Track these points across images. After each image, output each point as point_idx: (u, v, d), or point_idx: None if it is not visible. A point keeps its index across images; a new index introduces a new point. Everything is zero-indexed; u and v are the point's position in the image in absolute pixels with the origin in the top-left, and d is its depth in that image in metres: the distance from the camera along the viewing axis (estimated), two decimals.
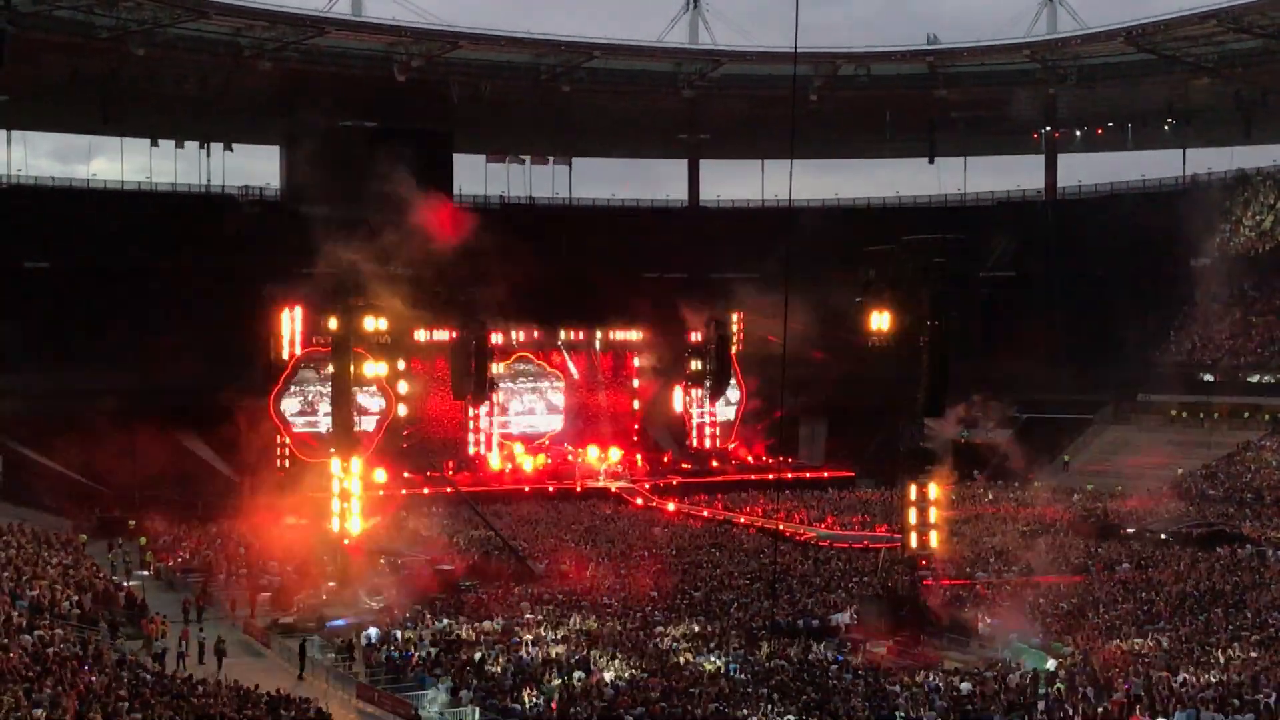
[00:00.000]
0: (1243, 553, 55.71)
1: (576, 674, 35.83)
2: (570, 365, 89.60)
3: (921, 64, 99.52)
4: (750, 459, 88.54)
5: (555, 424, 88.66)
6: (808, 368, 77.76)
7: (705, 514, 71.03)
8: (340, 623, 44.10)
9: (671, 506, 74.07)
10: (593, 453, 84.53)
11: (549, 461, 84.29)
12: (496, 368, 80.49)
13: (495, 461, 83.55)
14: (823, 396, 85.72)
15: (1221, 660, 36.71)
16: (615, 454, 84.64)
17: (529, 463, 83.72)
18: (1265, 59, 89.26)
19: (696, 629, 42.40)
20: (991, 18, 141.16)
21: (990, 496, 74.95)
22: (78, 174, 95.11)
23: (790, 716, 31.02)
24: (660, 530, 65.06)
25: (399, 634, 41.99)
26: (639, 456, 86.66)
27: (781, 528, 62.73)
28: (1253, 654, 37.34)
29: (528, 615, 45.08)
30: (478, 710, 33.58)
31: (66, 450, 70.45)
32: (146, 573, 56.45)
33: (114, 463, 67.79)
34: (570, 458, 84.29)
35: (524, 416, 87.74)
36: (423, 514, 67.69)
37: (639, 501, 76.18)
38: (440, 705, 34.46)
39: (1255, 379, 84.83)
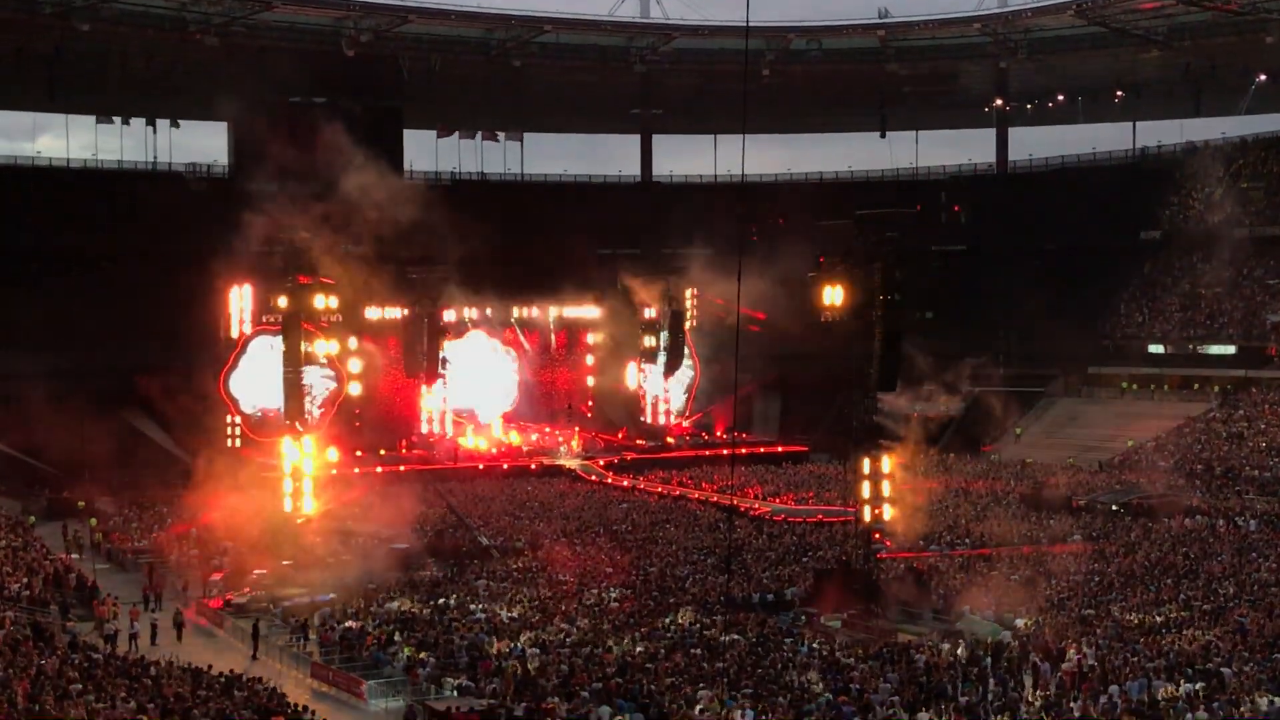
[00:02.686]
0: (1193, 524, 56.24)
1: (532, 650, 35.79)
2: (524, 342, 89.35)
3: (873, 38, 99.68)
4: (705, 435, 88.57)
5: (509, 400, 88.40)
6: (762, 343, 77.88)
7: (660, 490, 71.02)
8: (305, 600, 43.87)
9: (626, 483, 74.03)
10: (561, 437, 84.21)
11: (532, 438, 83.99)
12: (449, 345, 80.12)
13: (448, 438, 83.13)
14: (777, 371, 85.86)
15: (1172, 630, 37.00)
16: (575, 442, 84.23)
17: (508, 438, 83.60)
18: (1214, 32, 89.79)
19: (651, 605, 42.43)
20: None
21: (942, 469, 75.29)
22: (23, 151, 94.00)
23: (746, 690, 31.04)
24: (615, 506, 65.03)
25: (353, 612, 41.83)
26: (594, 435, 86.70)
27: (736, 502, 62.83)
28: (1203, 624, 37.68)
29: (483, 592, 45.00)
30: (432, 687, 33.49)
31: (12, 431, 69.70)
32: (99, 554, 55.98)
33: (62, 444, 67.06)
34: (549, 434, 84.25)
35: (477, 393, 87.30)
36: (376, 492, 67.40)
37: (594, 478, 76.06)
38: (395, 683, 34.35)
39: (1205, 351, 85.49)
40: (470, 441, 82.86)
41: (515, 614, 41.44)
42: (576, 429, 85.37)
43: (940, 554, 51.01)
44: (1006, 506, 61.86)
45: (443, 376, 79.58)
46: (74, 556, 53.55)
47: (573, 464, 79.17)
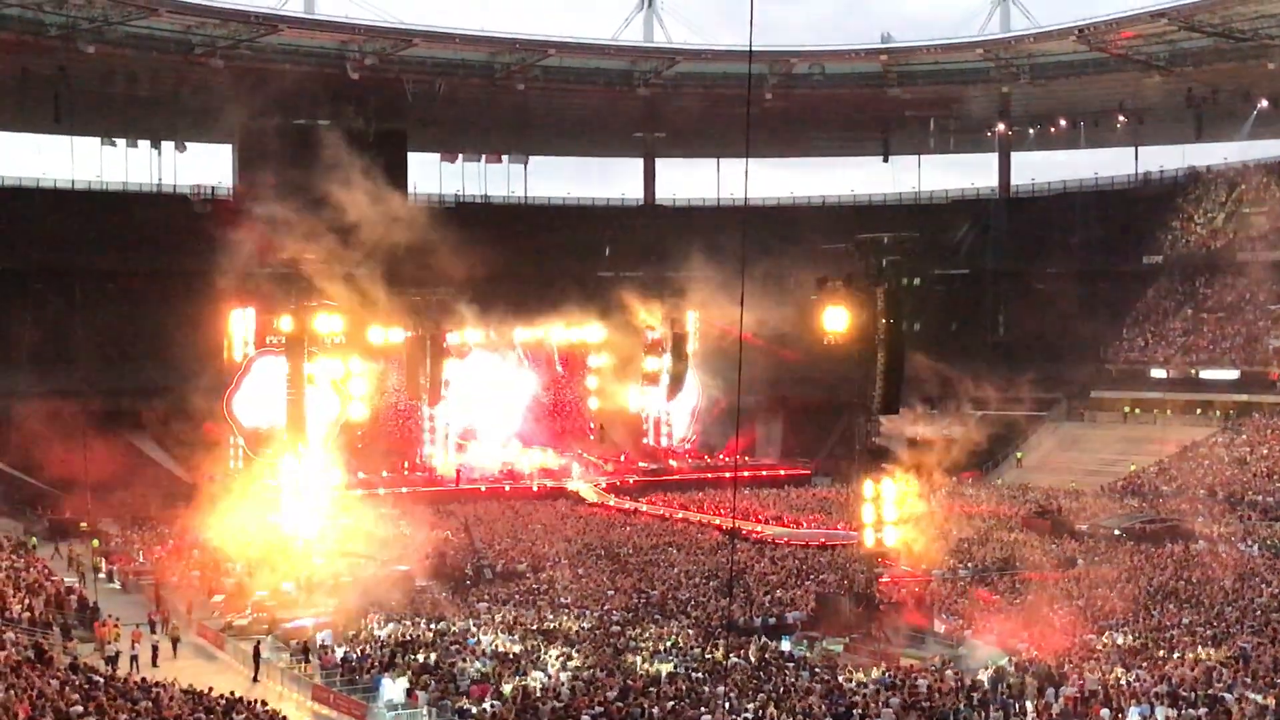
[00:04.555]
0: (1196, 549, 56.14)
1: (533, 674, 35.74)
2: (526, 364, 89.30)
3: (876, 62, 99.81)
4: (708, 458, 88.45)
5: (512, 422, 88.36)
6: (765, 366, 77.85)
7: (662, 512, 70.96)
8: (308, 621, 43.81)
9: (629, 505, 73.96)
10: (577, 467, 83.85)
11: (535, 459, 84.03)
12: (451, 366, 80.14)
13: (450, 460, 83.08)
14: (779, 394, 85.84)
15: (1175, 656, 36.93)
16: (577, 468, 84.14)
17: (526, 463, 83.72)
18: (1215, 57, 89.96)
19: (654, 629, 42.37)
20: (945, 16, 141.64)
21: (945, 493, 75.12)
22: (28, 173, 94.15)
23: (747, 714, 30.99)
24: (618, 529, 64.98)
25: (355, 635, 41.78)
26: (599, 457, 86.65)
27: (737, 525, 62.76)
28: (1206, 649, 37.61)
29: (484, 615, 44.95)
30: (434, 711, 33.43)
31: (15, 452, 69.74)
32: (100, 574, 55.93)
33: (64, 464, 67.12)
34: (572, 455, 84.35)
35: (480, 415, 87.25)
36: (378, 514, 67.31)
37: (595, 500, 76.02)
38: (396, 707, 34.29)
39: (1207, 375, 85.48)
40: (477, 461, 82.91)
41: (516, 636, 41.39)
42: (579, 453, 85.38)
43: (943, 578, 50.94)
44: (1009, 531, 61.77)
45: (444, 398, 79.67)
46: (74, 582, 53.30)
47: (578, 486, 79.06)
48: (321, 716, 35.34)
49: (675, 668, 36.62)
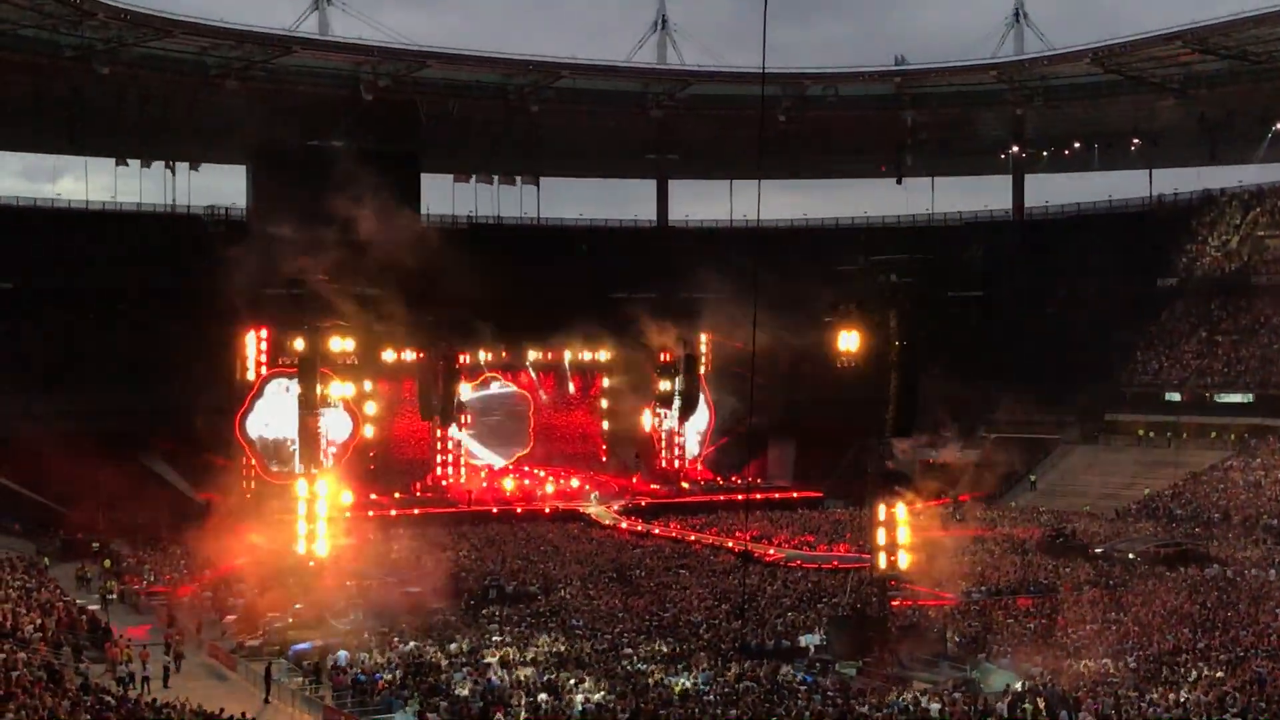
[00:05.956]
0: (1210, 573, 55.87)
1: (544, 696, 35.60)
2: (538, 386, 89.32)
3: (889, 84, 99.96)
4: (719, 480, 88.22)
5: (523, 444, 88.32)
6: (778, 388, 77.76)
7: (674, 535, 70.79)
8: (306, 645, 43.72)
9: (640, 528, 73.78)
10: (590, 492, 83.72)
11: (558, 485, 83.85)
12: (464, 389, 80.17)
13: (462, 481, 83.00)
14: (792, 416, 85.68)
15: (1189, 681, 36.72)
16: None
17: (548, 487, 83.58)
18: (1230, 80, 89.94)
19: (665, 650, 42.22)
20: (959, 39, 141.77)
21: (959, 517, 74.92)
22: (44, 193, 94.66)
23: None
24: (629, 551, 64.82)
25: (366, 657, 41.67)
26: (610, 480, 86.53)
27: (750, 548, 62.58)
28: (1219, 674, 37.38)
29: (495, 637, 44.83)
30: None
31: (27, 471, 69.76)
32: (112, 595, 55.86)
33: (78, 484, 67.11)
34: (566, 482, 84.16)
35: (492, 436, 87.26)
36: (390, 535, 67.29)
37: (607, 522, 75.86)
38: None
39: (1222, 399, 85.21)
40: (488, 483, 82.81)
41: (528, 659, 41.27)
42: (592, 474, 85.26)
43: (956, 600, 50.73)
44: (1023, 554, 61.55)
45: (457, 420, 79.64)
46: (87, 602, 53.25)
47: (591, 509, 78.88)
48: None
49: (688, 689, 36.42)
